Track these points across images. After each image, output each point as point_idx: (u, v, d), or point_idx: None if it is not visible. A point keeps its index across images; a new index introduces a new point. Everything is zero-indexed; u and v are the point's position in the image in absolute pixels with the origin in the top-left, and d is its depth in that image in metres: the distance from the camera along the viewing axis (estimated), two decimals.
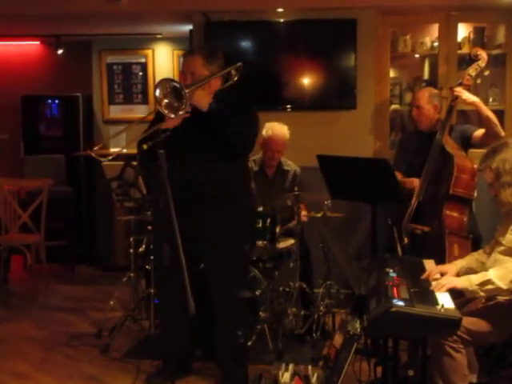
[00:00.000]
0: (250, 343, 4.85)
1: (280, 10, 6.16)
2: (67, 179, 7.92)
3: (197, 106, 4.09)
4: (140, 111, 8.10)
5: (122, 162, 4.97)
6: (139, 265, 5.51)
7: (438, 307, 3.20)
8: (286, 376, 3.90)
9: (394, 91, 6.52)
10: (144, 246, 5.43)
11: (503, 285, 3.47)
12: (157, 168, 3.59)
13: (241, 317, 4.55)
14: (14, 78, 8.34)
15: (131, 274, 5.49)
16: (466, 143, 5.04)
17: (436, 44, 6.27)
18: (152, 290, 5.20)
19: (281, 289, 5.26)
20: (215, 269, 4.36)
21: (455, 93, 4.93)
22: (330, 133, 6.21)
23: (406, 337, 4.00)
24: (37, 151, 8.08)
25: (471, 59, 5.02)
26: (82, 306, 6.31)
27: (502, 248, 3.72)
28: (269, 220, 5.06)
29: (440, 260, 4.31)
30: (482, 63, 4.96)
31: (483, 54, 4.97)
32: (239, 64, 4.44)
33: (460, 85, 4.97)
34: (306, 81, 6.24)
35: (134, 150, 4.25)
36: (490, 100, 6.24)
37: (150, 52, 8.14)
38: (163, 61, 8.13)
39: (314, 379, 3.89)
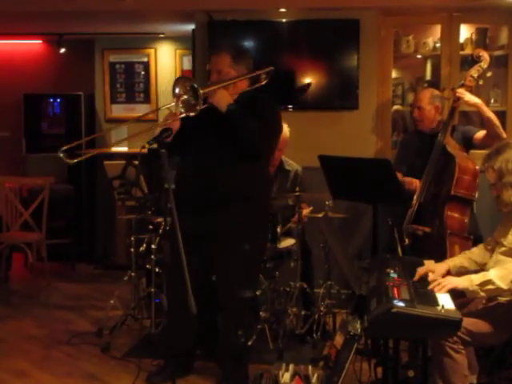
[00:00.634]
0: (250, 343, 4.85)
1: (283, 9, 6.16)
2: (69, 177, 7.93)
3: (216, 106, 4.08)
4: (142, 110, 8.09)
5: (123, 161, 4.98)
6: (140, 264, 5.51)
7: (439, 308, 3.20)
8: (287, 376, 3.90)
9: (397, 92, 6.51)
10: (145, 245, 5.43)
11: (504, 285, 3.47)
12: (159, 167, 3.59)
13: (245, 317, 4.55)
14: (17, 77, 8.35)
15: (132, 273, 5.49)
16: (468, 144, 5.05)
17: (438, 45, 6.26)
18: (153, 289, 5.20)
19: (281, 289, 5.25)
20: (228, 269, 4.33)
21: (457, 94, 4.93)
22: (332, 133, 6.21)
23: (406, 337, 4.00)
24: (39, 149, 8.09)
25: (473, 60, 5.03)
26: (82, 304, 6.32)
27: (503, 249, 3.71)
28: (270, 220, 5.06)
29: (440, 261, 4.30)
30: (484, 64, 4.97)
31: (485, 55, 4.97)
32: (270, 68, 4.42)
33: (462, 86, 4.98)
34: (308, 80, 6.23)
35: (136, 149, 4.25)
36: (492, 101, 6.24)
37: (152, 51, 8.15)
38: (165, 60, 8.14)
39: (314, 379, 3.89)
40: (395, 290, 3.39)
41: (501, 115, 6.05)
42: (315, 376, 3.90)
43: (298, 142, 5.72)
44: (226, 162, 4.19)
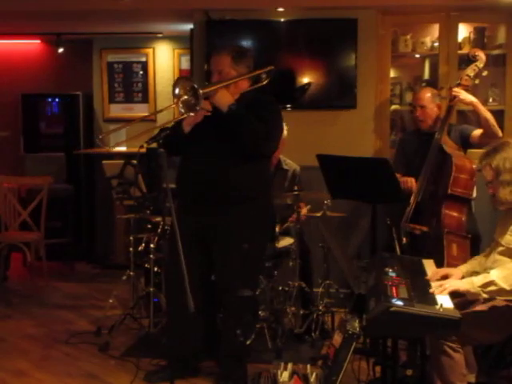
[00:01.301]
0: (249, 342, 4.85)
1: (281, 9, 6.16)
2: (67, 177, 7.93)
3: (217, 106, 4.09)
4: (140, 110, 8.11)
5: (122, 161, 4.98)
6: (139, 263, 5.51)
7: (437, 307, 3.20)
8: (285, 375, 3.91)
9: (395, 91, 6.51)
10: (143, 244, 5.44)
11: (507, 286, 3.47)
12: (157, 167, 3.60)
13: (246, 316, 4.56)
14: (15, 76, 8.34)
15: (131, 273, 5.50)
16: (465, 143, 5.06)
17: (436, 44, 6.27)
18: (151, 289, 5.20)
19: (280, 288, 5.26)
20: (228, 269, 4.32)
21: (453, 93, 4.95)
22: (330, 132, 6.21)
23: (404, 336, 4.01)
24: (37, 149, 8.10)
25: (469, 60, 5.04)
26: (81, 304, 6.32)
27: (501, 248, 3.72)
28: None
29: (439, 260, 4.32)
30: (480, 64, 4.98)
31: (481, 55, 4.98)
32: (271, 67, 4.43)
33: (458, 85, 4.99)
34: (307, 80, 6.24)
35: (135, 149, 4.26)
36: (490, 100, 6.24)
37: (150, 51, 8.15)
38: (164, 60, 8.14)
39: (312, 378, 3.90)
40: (394, 289, 3.40)
41: (499, 114, 6.05)
42: (314, 375, 3.91)
43: (296, 141, 5.72)
44: (227, 162, 4.19)
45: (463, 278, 3.75)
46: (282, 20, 6.24)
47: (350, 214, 5.63)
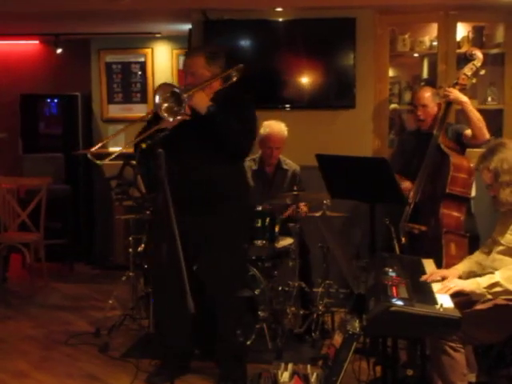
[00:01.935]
0: (249, 342, 4.86)
1: (279, 9, 6.16)
2: (66, 178, 7.92)
3: (195, 108, 4.09)
4: (139, 110, 8.10)
5: (121, 161, 4.97)
6: (138, 264, 5.51)
7: (437, 306, 3.20)
8: (285, 375, 3.91)
9: (393, 90, 6.52)
10: (143, 245, 5.43)
11: (511, 287, 3.47)
12: (156, 167, 3.59)
13: (241, 315, 4.56)
14: (13, 77, 8.34)
15: (130, 273, 5.50)
16: (460, 142, 5.06)
17: (435, 43, 6.27)
18: (151, 289, 5.19)
19: (280, 288, 5.26)
20: (213, 268, 4.35)
21: (445, 92, 4.96)
22: (329, 132, 6.21)
23: (405, 336, 4.01)
24: (36, 150, 8.09)
25: (467, 59, 5.04)
26: (80, 304, 6.32)
27: (501, 248, 3.72)
28: (268, 219, 5.07)
29: (438, 259, 4.32)
30: (478, 63, 4.98)
31: (479, 54, 4.98)
32: (241, 65, 4.44)
33: (456, 84, 4.98)
34: (305, 80, 6.24)
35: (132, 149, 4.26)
36: (489, 99, 6.25)
37: (149, 51, 8.14)
38: (162, 60, 8.14)
39: (313, 378, 3.90)
40: (394, 288, 3.39)
41: (497, 113, 6.07)
42: (314, 375, 3.91)
43: (296, 141, 5.73)
44: (208, 162, 4.21)
45: (460, 278, 3.75)
46: (280, 20, 6.25)
47: (349, 214, 5.62)
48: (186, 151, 4.22)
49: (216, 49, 4.46)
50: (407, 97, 6.45)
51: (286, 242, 5.30)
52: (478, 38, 6.20)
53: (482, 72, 6.04)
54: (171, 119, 3.90)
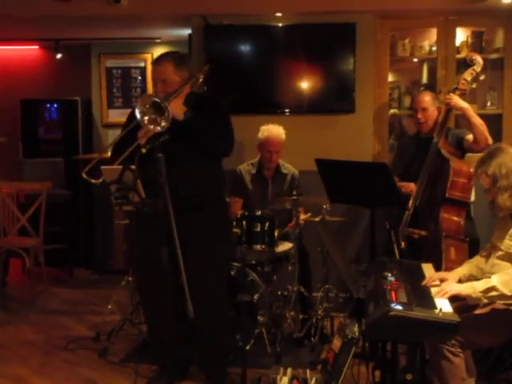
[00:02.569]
0: (248, 347, 4.85)
1: (279, 14, 6.17)
2: (66, 182, 7.92)
3: (173, 116, 4.06)
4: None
5: (120, 166, 4.96)
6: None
7: (436, 311, 3.20)
8: (285, 380, 3.91)
9: (393, 95, 6.52)
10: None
11: (507, 291, 3.46)
12: (155, 172, 3.59)
13: (226, 320, 4.52)
14: (13, 82, 8.35)
15: (129, 278, 5.49)
16: (460, 147, 5.07)
17: (434, 48, 6.27)
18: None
19: (279, 292, 5.26)
20: (193, 275, 4.29)
21: (446, 99, 4.97)
22: (329, 137, 6.21)
23: (404, 341, 4.01)
24: (36, 154, 8.10)
25: (467, 64, 5.05)
26: (80, 309, 6.31)
27: (500, 253, 3.72)
28: (267, 223, 5.06)
29: (437, 263, 4.32)
30: (478, 68, 4.99)
31: (479, 59, 5.00)
32: (207, 66, 4.50)
33: (456, 89, 5.00)
34: (305, 85, 6.24)
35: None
36: (488, 104, 6.26)
37: (148, 56, 8.15)
38: None
39: (312, 383, 3.90)
40: (393, 293, 3.39)
41: (497, 118, 6.07)
42: (313, 380, 3.90)
43: (295, 145, 5.73)
44: (188, 166, 4.20)
45: (460, 281, 3.75)
46: (280, 25, 6.25)
47: (348, 219, 5.62)
48: (169, 156, 4.20)
49: (181, 53, 4.47)
50: (407, 101, 6.45)
51: (286, 246, 5.30)
52: (478, 43, 6.21)
53: (482, 77, 6.04)
54: (158, 128, 3.88)
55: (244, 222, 5.03)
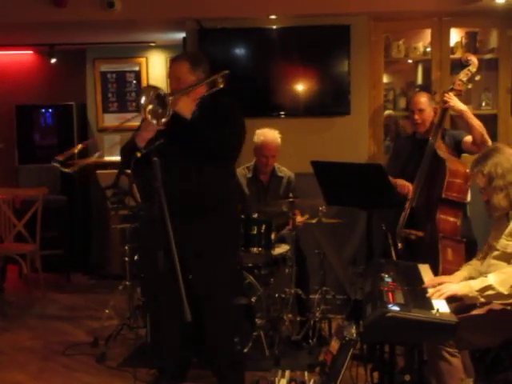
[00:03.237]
0: (246, 350, 4.85)
1: (273, 16, 6.17)
2: (62, 188, 7.91)
3: (180, 114, 4.08)
4: (134, 119, 8.08)
5: (116, 171, 4.96)
6: (134, 273, 5.50)
7: (434, 312, 3.20)
8: (283, 382, 3.90)
9: (388, 96, 6.53)
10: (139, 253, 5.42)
11: (504, 290, 3.46)
12: (151, 176, 3.59)
13: (236, 324, 4.53)
14: (8, 88, 8.34)
15: (127, 283, 5.48)
16: (458, 148, 5.07)
17: (429, 49, 6.29)
18: (145, 299, 5.18)
19: (277, 295, 5.26)
20: (202, 279, 4.29)
21: (444, 98, 4.97)
22: (325, 139, 6.22)
23: (401, 342, 3.99)
24: (31, 160, 8.09)
25: (462, 64, 5.07)
26: (77, 314, 6.31)
27: (495, 253, 3.72)
28: (264, 226, 5.06)
29: (434, 264, 4.32)
30: (473, 68, 5.00)
31: (474, 60, 5.01)
32: (226, 72, 4.43)
33: (451, 90, 5.00)
34: (300, 87, 6.25)
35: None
36: (483, 104, 6.27)
37: (143, 60, 8.15)
38: (157, 69, 8.14)
39: None
40: (390, 294, 3.39)
41: (492, 118, 6.08)
42: (311, 382, 3.90)
43: (291, 148, 5.74)
44: (192, 170, 4.17)
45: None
46: (275, 27, 6.26)
47: (345, 221, 5.62)
48: (170, 158, 4.19)
49: (199, 54, 4.49)
50: (402, 103, 6.47)
51: (283, 249, 5.30)
52: (472, 44, 6.22)
53: (478, 78, 6.05)
54: (155, 121, 3.87)
55: (241, 225, 5.03)
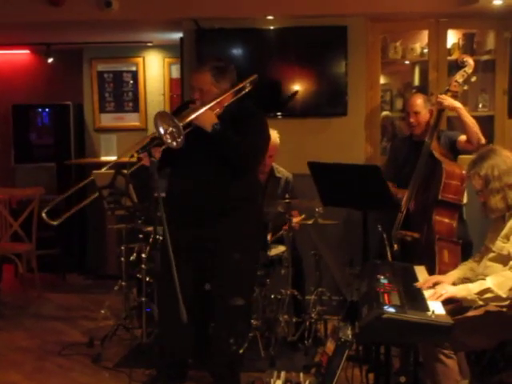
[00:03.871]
0: (242, 351, 4.84)
1: (270, 17, 6.17)
2: (58, 188, 7.89)
3: (201, 126, 4.04)
4: (131, 119, 8.11)
5: (112, 171, 4.96)
6: (130, 273, 5.50)
7: (429, 313, 3.20)
8: (279, 383, 3.90)
9: (385, 97, 6.53)
10: (135, 254, 5.42)
11: (502, 293, 3.47)
12: (148, 176, 3.59)
13: (240, 326, 4.52)
14: (5, 87, 8.34)
15: (123, 283, 5.48)
16: (453, 149, 5.08)
17: (426, 50, 6.29)
18: (144, 299, 5.18)
19: (273, 296, 5.25)
20: (221, 281, 4.28)
21: (438, 99, 4.99)
22: (322, 140, 6.22)
23: (397, 343, 4.01)
24: (28, 160, 8.08)
25: (458, 66, 5.07)
26: (73, 315, 6.30)
27: (492, 255, 3.72)
28: None
29: (430, 266, 4.32)
30: (469, 70, 5.01)
31: (470, 61, 5.02)
32: (254, 77, 4.38)
33: (447, 91, 5.02)
34: (297, 88, 6.24)
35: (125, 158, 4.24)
36: (480, 106, 6.27)
37: (140, 60, 8.15)
38: (154, 69, 8.14)
39: None
40: (386, 296, 3.39)
41: (488, 120, 6.09)
42: (307, 383, 3.91)
43: (288, 148, 5.73)
44: (214, 175, 4.16)
45: (454, 284, 3.75)
46: (272, 28, 6.26)
47: (341, 222, 5.62)
48: (194, 163, 4.19)
49: (224, 63, 4.31)
50: (399, 104, 6.47)
51: (279, 249, 5.30)
52: (469, 45, 6.22)
53: (474, 79, 6.06)
54: (175, 143, 3.82)
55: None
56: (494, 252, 3.71)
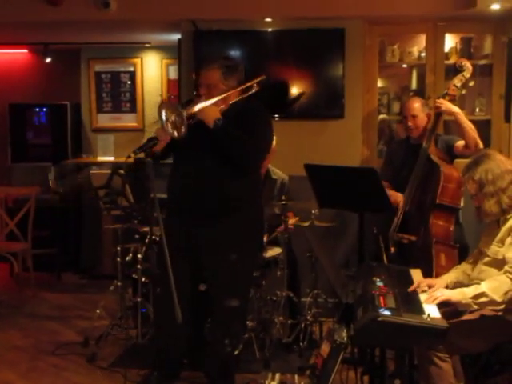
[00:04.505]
0: (237, 352, 4.84)
1: (268, 19, 6.17)
2: None
3: (203, 121, 4.06)
4: (128, 120, 8.11)
5: (109, 171, 4.97)
6: (126, 273, 5.50)
7: (425, 316, 3.21)
8: None
9: (382, 101, 6.53)
10: (131, 254, 5.42)
11: (497, 297, 3.47)
12: (144, 177, 3.59)
13: (235, 327, 4.53)
14: (2, 86, 8.33)
15: (118, 283, 5.48)
16: (451, 153, 5.09)
17: (423, 54, 6.29)
18: (139, 299, 5.19)
19: (268, 297, 5.25)
20: (218, 281, 4.29)
21: (436, 104, 4.99)
22: (318, 142, 6.22)
23: (392, 346, 4.00)
24: (24, 159, 8.08)
25: (456, 70, 5.08)
26: (68, 314, 6.29)
27: (486, 259, 3.73)
28: None
29: (427, 269, 4.32)
30: (467, 74, 5.01)
31: (468, 65, 5.02)
32: (262, 77, 4.40)
33: (445, 95, 5.02)
34: (294, 90, 6.25)
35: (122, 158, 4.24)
36: (477, 110, 6.28)
37: (138, 61, 8.15)
38: (152, 69, 8.14)
39: None
40: (381, 298, 3.39)
41: (485, 124, 6.09)
42: None
43: (284, 150, 5.73)
44: (215, 173, 4.17)
45: (447, 287, 3.75)
46: (270, 30, 6.26)
47: (337, 224, 5.63)
48: (194, 161, 4.20)
49: (233, 62, 4.38)
50: (396, 107, 6.47)
51: (275, 251, 5.30)
52: (466, 49, 6.23)
53: (471, 83, 6.07)
54: (176, 134, 3.86)
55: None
56: (488, 256, 3.72)
